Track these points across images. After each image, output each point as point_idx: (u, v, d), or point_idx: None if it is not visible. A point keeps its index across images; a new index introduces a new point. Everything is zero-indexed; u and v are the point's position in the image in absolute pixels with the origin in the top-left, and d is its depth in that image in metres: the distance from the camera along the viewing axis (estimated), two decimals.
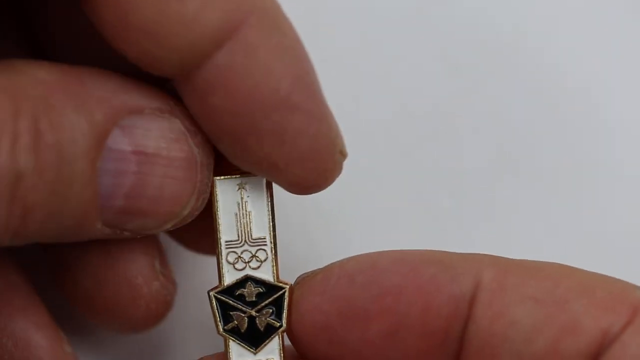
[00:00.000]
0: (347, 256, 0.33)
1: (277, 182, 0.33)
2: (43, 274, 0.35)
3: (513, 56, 0.42)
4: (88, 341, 0.39)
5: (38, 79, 0.29)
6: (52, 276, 0.35)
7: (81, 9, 0.30)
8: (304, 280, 0.33)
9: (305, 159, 0.31)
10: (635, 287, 0.32)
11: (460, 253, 0.34)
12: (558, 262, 0.33)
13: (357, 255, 0.33)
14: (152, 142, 0.30)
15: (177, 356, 0.40)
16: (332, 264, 0.33)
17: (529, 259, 0.33)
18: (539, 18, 0.43)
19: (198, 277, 0.40)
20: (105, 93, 0.30)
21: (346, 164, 0.32)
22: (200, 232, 0.35)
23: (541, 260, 0.33)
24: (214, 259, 0.33)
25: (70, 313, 0.36)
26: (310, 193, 0.32)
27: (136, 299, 0.34)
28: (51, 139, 0.28)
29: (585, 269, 0.34)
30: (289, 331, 0.33)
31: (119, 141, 0.30)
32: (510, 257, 0.33)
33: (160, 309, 0.34)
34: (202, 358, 0.35)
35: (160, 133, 0.30)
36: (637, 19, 0.42)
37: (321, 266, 0.33)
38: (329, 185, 0.32)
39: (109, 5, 0.29)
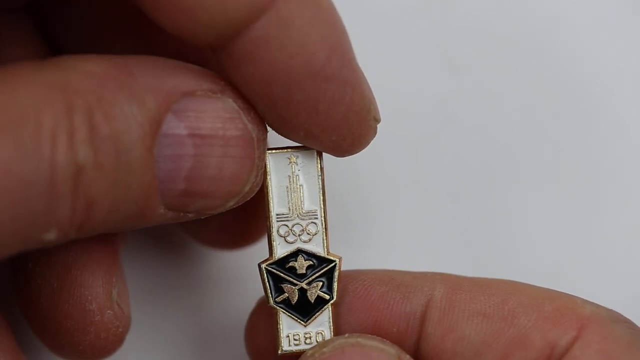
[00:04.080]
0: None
1: (313, 147, 0.33)
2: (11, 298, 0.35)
3: (517, 54, 0.42)
4: None
5: (87, 73, 0.29)
6: (16, 295, 0.35)
7: None
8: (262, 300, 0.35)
9: (340, 127, 0.31)
10: (583, 301, 0.33)
11: (413, 272, 0.35)
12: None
13: None
14: (207, 123, 0.30)
15: None
16: None
17: (480, 277, 0.34)
18: (541, 17, 0.43)
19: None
20: (155, 79, 0.30)
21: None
22: (217, 228, 0.35)
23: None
24: None
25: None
26: (347, 156, 0.33)
27: (87, 325, 0.33)
28: (107, 131, 0.28)
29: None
30: (249, 351, 0.36)
31: (173, 126, 0.30)
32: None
33: (109, 340, 0.34)
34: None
35: (214, 113, 0.31)
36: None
37: None
38: (364, 148, 0.33)
39: None
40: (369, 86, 0.32)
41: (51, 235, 0.28)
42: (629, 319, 0.33)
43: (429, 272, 0.35)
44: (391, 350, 0.32)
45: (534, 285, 0.34)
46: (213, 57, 0.31)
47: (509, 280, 0.34)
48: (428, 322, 0.34)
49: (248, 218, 0.37)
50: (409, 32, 0.42)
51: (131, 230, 0.39)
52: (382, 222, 0.41)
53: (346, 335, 0.33)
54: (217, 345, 0.40)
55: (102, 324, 0.33)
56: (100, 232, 0.30)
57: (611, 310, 0.33)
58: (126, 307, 0.34)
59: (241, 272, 0.41)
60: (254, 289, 0.36)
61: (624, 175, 0.42)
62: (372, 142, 0.33)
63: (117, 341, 0.34)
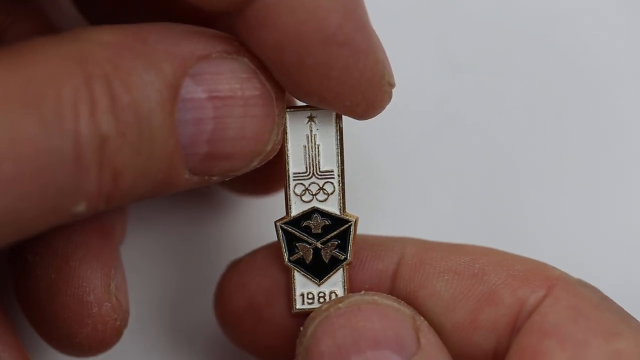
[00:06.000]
0: None
1: (328, 110, 0.33)
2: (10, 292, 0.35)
3: (519, 52, 0.42)
4: None
5: (103, 43, 0.28)
6: (14, 287, 0.34)
7: None
8: (233, 263, 0.35)
9: (354, 93, 0.31)
10: (551, 266, 0.34)
11: (386, 236, 0.35)
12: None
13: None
14: (225, 84, 0.30)
15: None
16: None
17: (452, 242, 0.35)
18: (543, 15, 0.42)
19: None
20: (170, 45, 0.29)
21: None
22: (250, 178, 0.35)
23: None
24: None
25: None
26: (364, 119, 0.33)
27: (84, 317, 0.33)
28: (127, 99, 0.28)
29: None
30: (217, 314, 0.36)
31: (192, 90, 0.30)
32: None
33: (107, 333, 0.34)
34: (233, 260, 0.36)
35: (231, 74, 0.30)
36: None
37: None
38: (380, 112, 0.32)
39: None
40: (383, 51, 0.31)
41: (81, 208, 0.28)
42: (595, 287, 0.33)
43: (401, 237, 0.35)
44: (407, 310, 0.33)
45: (503, 251, 0.34)
46: (223, 24, 0.31)
47: (479, 246, 0.35)
48: (399, 279, 0.34)
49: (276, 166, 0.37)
50: (410, 29, 0.42)
51: (131, 224, 0.39)
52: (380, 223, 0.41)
53: (362, 292, 0.33)
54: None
55: (99, 316, 0.33)
56: (128, 202, 0.30)
57: (579, 278, 0.34)
58: (124, 300, 0.34)
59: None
60: None
61: (622, 176, 0.42)
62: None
63: (114, 334, 0.34)
